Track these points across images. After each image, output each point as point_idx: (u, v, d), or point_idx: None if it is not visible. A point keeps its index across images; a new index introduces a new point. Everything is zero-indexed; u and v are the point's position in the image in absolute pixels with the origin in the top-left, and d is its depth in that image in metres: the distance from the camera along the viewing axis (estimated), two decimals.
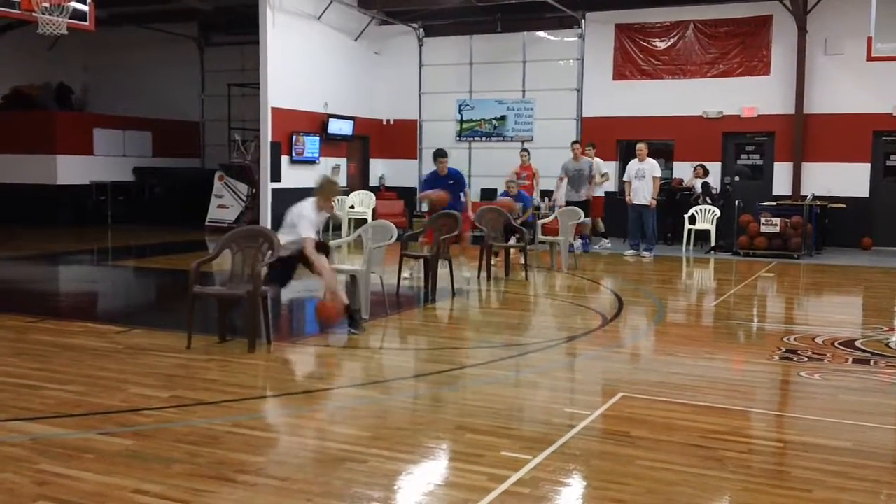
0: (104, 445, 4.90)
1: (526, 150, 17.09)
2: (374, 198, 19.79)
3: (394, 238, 9.33)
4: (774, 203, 16.78)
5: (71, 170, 20.93)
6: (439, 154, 11.96)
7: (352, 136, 20.33)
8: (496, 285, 11.95)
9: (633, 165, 15.57)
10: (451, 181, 11.82)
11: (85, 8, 11.24)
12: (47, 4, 10.57)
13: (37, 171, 20.71)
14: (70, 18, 10.93)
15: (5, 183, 21.16)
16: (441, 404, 5.95)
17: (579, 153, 15.84)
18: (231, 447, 4.88)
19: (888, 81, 16.85)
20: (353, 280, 9.63)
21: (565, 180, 15.77)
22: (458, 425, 5.39)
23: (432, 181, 11.92)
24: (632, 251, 15.66)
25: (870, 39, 12.94)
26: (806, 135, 17.67)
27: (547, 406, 5.99)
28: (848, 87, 17.37)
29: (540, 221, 14.52)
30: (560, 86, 19.72)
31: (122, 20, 20.86)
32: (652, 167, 15.38)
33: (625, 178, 15.88)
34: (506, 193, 14.14)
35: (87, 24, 11.40)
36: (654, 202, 15.39)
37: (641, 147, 15.59)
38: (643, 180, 15.31)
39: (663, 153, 18.78)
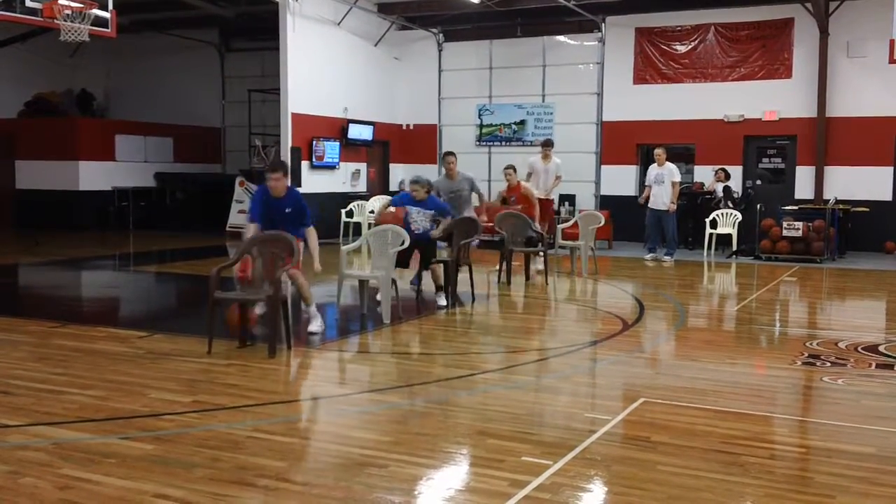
0: (126, 450, 4.92)
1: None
2: None
3: (406, 243, 9.21)
4: (797, 207, 16.66)
5: (93, 176, 21.11)
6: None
7: (372, 142, 20.38)
8: (516, 290, 11.92)
9: (653, 170, 15.52)
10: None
11: (107, 15, 11.29)
12: (69, 11, 10.64)
13: (59, 177, 20.92)
14: (92, 25, 10.98)
15: (28, 189, 21.40)
16: (461, 409, 5.94)
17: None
18: (252, 452, 4.89)
19: None
20: (361, 285, 9.61)
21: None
22: (478, 430, 5.38)
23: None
24: (650, 255, 15.60)
25: (892, 42, 12.82)
26: (828, 138, 17.54)
27: (568, 411, 5.97)
28: (870, 90, 17.23)
29: (560, 226, 14.48)
30: (580, 90, 19.70)
31: (144, 27, 21.05)
32: (671, 172, 15.32)
33: (647, 183, 15.82)
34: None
35: (108, 30, 11.45)
36: (674, 207, 15.34)
37: (659, 152, 15.53)
38: (662, 185, 15.26)
39: (684, 157, 18.72)
